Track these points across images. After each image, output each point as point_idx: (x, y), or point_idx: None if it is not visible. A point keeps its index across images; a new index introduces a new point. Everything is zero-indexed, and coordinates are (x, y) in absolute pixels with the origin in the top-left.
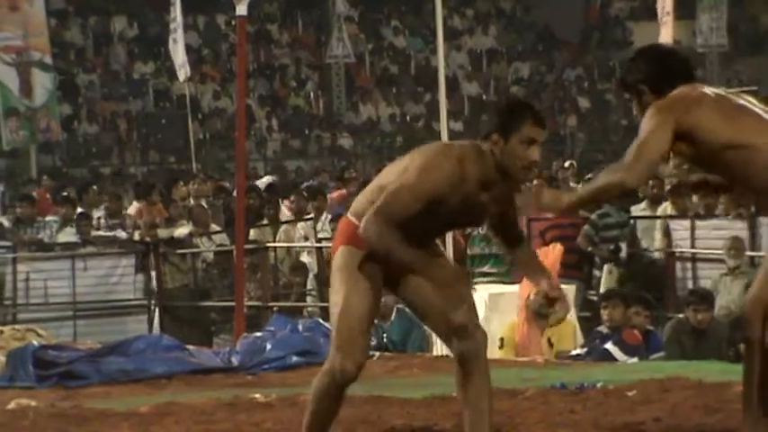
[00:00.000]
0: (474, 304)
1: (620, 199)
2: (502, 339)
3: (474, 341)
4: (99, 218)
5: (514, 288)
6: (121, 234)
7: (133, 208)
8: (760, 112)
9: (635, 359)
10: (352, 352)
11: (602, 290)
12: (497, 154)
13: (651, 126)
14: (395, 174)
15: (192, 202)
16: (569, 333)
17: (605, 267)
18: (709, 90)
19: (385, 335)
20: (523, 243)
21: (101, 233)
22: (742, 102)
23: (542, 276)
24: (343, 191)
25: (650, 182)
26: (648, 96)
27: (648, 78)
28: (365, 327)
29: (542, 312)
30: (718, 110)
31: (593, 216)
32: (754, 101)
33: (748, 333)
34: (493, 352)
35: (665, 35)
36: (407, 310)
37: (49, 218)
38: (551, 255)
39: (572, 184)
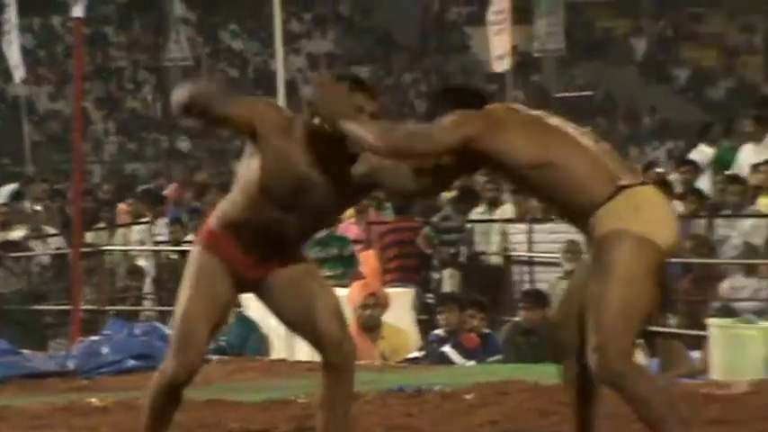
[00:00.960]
0: (341, 311)
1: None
2: None
3: (343, 351)
4: None
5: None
6: None
7: None
8: (567, 130)
9: (472, 362)
10: (186, 355)
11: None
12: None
13: (447, 123)
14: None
15: (27, 204)
16: (405, 345)
17: (446, 271)
18: (514, 108)
19: (222, 338)
20: None
21: None
22: (548, 120)
23: None
24: (175, 185)
25: (489, 185)
26: None
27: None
28: (204, 331)
29: (370, 325)
30: (522, 129)
31: (435, 218)
32: (561, 120)
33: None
34: None
35: (503, 40)
36: (246, 313)
37: None
38: (370, 260)
39: None
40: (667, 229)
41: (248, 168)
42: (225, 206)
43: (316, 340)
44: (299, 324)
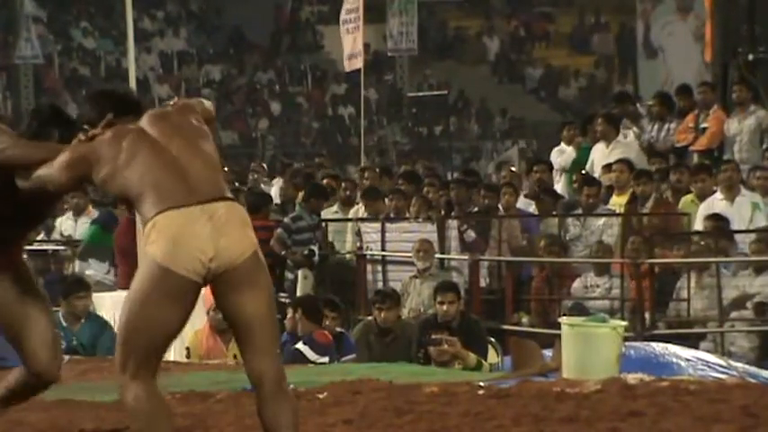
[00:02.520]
0: (53, 336)
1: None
2: (188, 349)
3: (45, 380)
4: None
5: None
6: None
7: None
8: (150, 155)
9: (326, 358)
10: None
11: (298, 294)
12: None
13: (59, 164)
14: None
15: None
16: None
17: (300, 272)
18: (128, 130)
19: (75, 338)
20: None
21: None
22: (143, 146)
23: None
24: None
25: (343, 184)
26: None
27: (89, 119)
28: None
29: (222, 328)
30: (113, 164)
31: (286, 219)
32: (152, 138)
33: None
34: (182, 359)
35: (355, 39)
36: (97, 313)
37: None
38: None
39: (263, 186)
40: (188, 254)
41: None
42: None
43: (24, 357)
44: (9, 338)
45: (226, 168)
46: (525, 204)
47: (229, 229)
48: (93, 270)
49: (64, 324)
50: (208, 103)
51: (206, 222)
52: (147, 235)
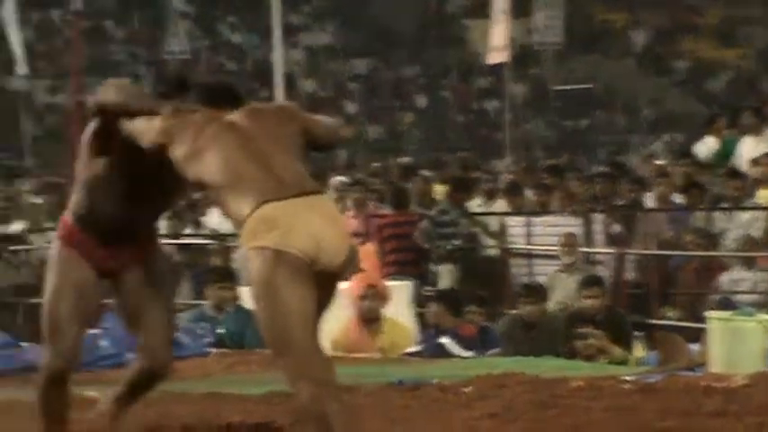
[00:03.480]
0: (169, 330)
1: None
2: (334, 342)
3: (159, 365)
4: None
5: (345, 284)
6: None
7: None
8: (236, 146)
9: (471, 352)
10: (58, 345)
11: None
12: None
13: (164, 120)
14: None
15: (26, 199)
16: (404, 339)
17: (444, 266)
18: (214, 118)
19: (220, 327)
20: None
21: None
22: (227, 135)
23: None
24: None
25: (485, 177)
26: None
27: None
28: (70, 319)
29: (369, 317)
30: (192, 147)
31: (432, 212)
32: (240, 130)
33: None
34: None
35: (501, 33)
36: (244, 305)
37: None
38: (370, 254)
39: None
40: (300, 237)
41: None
42: (76, 201)
43: (140, 348)
44: (131, 328)
45: (378, 163)
46: (672, 197)
47: (334, 224)
48: None
49: (210, 314)
50: (332, 125)
51: (313, 213)
52: (252, 229)
